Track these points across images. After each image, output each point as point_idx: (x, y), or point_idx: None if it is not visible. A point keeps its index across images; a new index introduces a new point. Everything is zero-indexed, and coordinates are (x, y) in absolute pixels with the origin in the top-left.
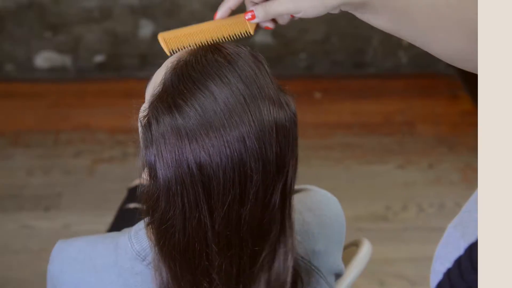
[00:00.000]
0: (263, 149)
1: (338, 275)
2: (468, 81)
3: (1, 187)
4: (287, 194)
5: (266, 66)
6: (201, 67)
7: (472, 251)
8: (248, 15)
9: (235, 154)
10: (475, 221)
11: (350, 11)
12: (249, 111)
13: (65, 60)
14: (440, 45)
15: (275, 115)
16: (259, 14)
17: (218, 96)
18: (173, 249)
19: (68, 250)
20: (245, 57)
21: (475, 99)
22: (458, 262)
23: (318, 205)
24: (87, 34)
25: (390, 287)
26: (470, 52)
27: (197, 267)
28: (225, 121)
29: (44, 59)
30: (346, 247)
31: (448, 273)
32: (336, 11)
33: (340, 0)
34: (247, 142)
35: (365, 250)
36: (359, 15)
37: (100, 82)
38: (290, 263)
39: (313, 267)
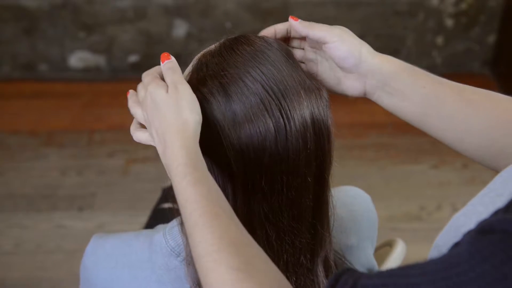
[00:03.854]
0: (296, 138)
1: (370, 271)
2: (502, 81)
3: (35, 187)
4: (321, 180)
5: (294, 56)
6: (229, 56)
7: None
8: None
9: (260, 141)
10: (477, 213)
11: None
12: (280, 99)
13: (99, 60)
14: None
15: (308, 102)
16: (303, 22)
17: (246, 84)
18: None
19: (104, 246)
20: (274, 46)
21: None
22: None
23: (350, 200)
24: (121, 34)
25: None
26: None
27: None
28: (251, 111)
29: (78, 59)
30: (380, 247)
31: None
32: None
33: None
34: (276, 132)
35: (399, 250)
36: (387, 99)
37: (134, 82)
38: (328, 247)
39: (346, 262)
